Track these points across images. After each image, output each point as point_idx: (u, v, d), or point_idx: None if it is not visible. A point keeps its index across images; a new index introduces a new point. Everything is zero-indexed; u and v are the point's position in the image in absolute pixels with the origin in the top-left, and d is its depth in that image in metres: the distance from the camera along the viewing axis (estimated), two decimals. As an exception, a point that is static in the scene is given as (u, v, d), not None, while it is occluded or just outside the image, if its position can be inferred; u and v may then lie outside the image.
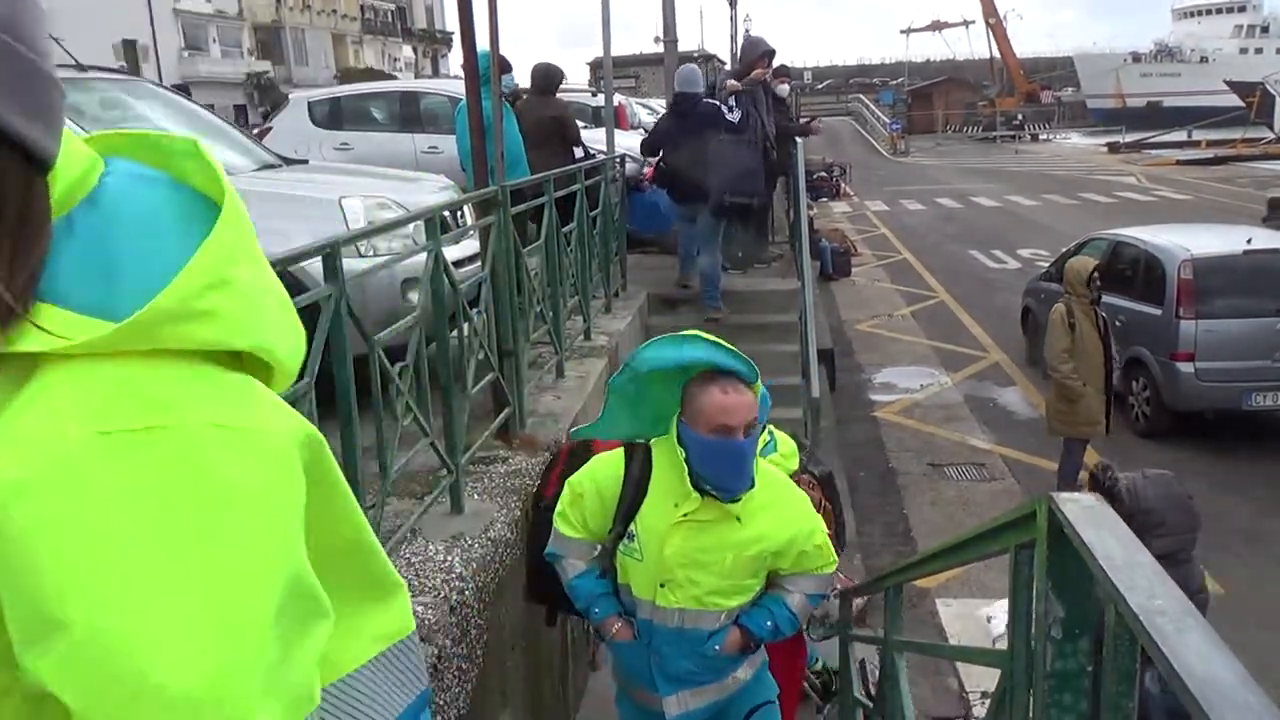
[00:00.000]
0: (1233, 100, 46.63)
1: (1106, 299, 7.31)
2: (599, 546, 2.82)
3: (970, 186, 32.06)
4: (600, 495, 2.76)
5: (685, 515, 2.58)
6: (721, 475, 2.56)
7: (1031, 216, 24.06)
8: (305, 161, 6.73)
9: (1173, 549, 3.51)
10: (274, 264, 2.78)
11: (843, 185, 31.44)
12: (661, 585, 2.63)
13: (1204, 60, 65.28)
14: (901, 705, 2.43)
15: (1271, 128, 41.96)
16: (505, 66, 7.57)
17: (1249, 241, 9.02)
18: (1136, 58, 70.78)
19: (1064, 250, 11.54)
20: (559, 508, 2.88)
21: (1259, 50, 63.19)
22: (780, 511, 2.65)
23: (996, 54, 68.36)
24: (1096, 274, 6.94)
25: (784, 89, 10.25)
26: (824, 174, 29.00)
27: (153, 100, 5.83)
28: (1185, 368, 8.47)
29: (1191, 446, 8.57)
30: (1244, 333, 8.46)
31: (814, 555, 2.72)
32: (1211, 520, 7.28)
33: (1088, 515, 1.03)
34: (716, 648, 2.67)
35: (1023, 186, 31.04)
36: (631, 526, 2.67)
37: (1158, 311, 8.76)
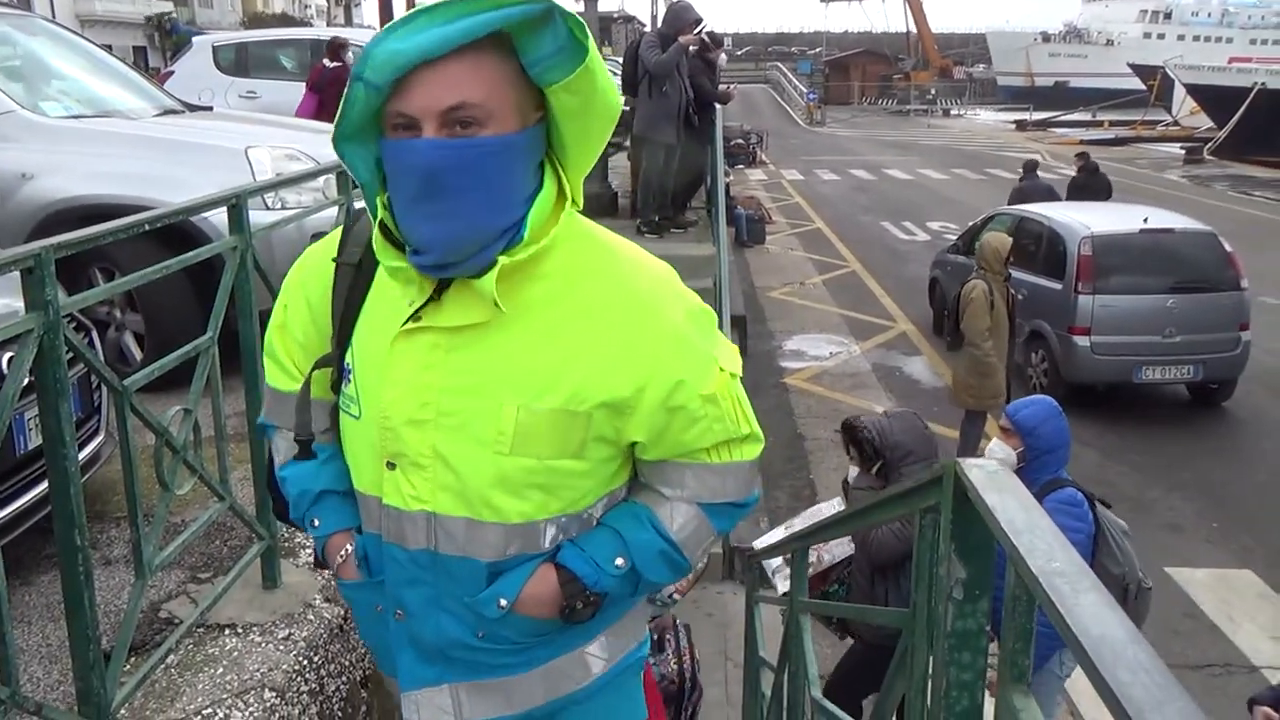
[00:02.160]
0: (1135, 83, 48.14)
1: (1011, 273, 7.51)
2: (330, 406, 1.58)
3: (883, 158, 32.56)
4: (310, 305, 1.56)
5: (414, 319, 1.37)
6: (409, 215, 1.32)
7: (941, 190, 24.56)
8: (210, 109, 6.49)
9: None
10: (175, 214, 2.67)
11: (759, 153, 31.62)
12: (390, 466, 1.42)
13: (1109, 43, 67.17)
14: (805, 664, 2.49)
15: (1169, 111, 43.47)
16: None
17: (1145, 221, 9.37)
18: (1046, 38, 72.51)
19: (971, 224, 11.83)
20: (265, 340, 1.69)
21: (1161, 35, 65.25)
22: (618, 312, 1.38)
23: (913, 28, 69.28)
24: (1011, 252, 7.13)
25: (723, 58, 10.27)
26: (741, 141, 29.11)
27: (46, 37, 5.55)
28: (1081, 341, 8.78)
29: (1084, 417, 8.89)
30: (1137, 309, 8.80)
31: (709, 420, 1.44)
32: (1100, 488, 7.59)
33: (991, 480, 1.06)
34: (503, 602, 1.43)
35: (934, 160, 31.63)
36: (349, 355, 1.48)
37: (1058, 286, 9.05)
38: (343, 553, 1.57)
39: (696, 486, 1.50)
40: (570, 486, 1.44)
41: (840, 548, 4.16)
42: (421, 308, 1.38)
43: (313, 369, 1.56)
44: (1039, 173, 14.37)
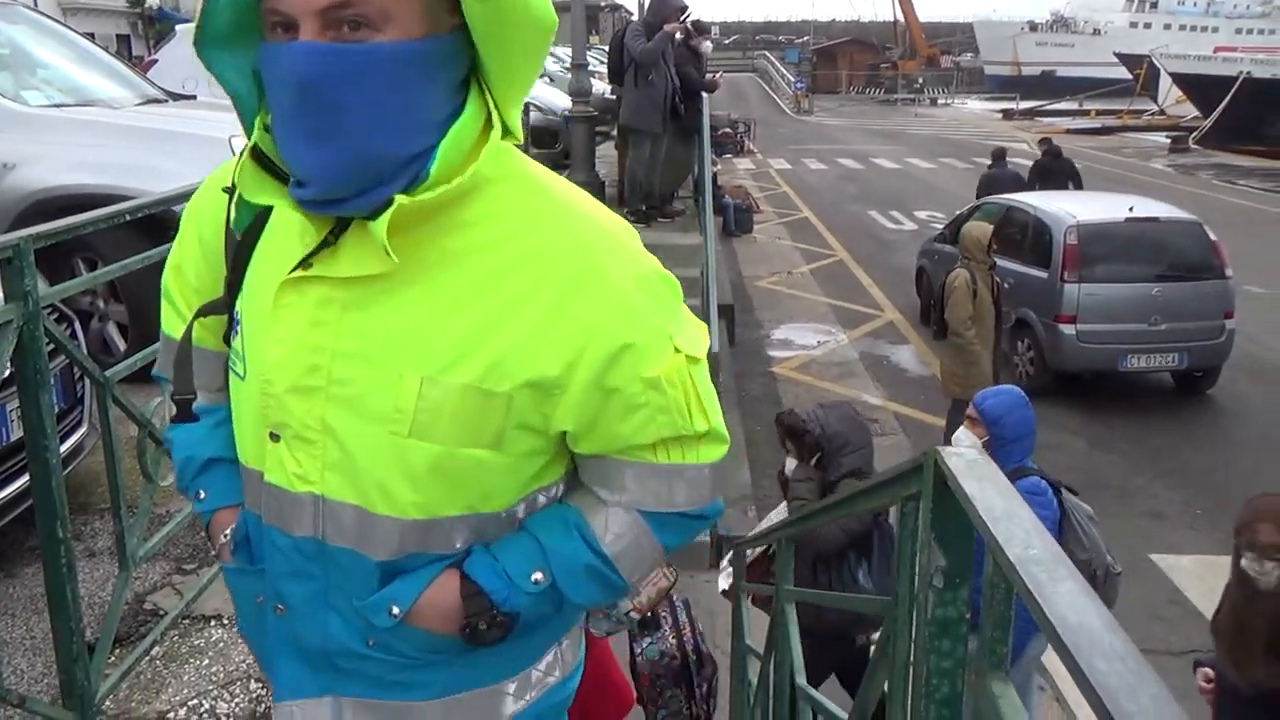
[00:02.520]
0: (1122, 72, 48.28)
1: (997, 262, 7.53)
2: (224, 360, 1.32)
3: (871, 148, 32.59)
4: (202, 241, 1.33)
5: (303, 266, 1.14)
6: (286, 137, 1.08)
7: (928, 179, 24.61)
8: (193, 97, 6.45)
9: (860, 463, 3.90)
10: (159, 204, 2.66)
11: (747, 142, 31.60)
12: (273, 438, 1.20)
13: (1096, 32, 67.33)
14: (791, 653, 2.50)
15: (1155, 100, 43.62)
16: None
17: (1131, 210, 9.40)
18: (1033, 27, 72.61)
19: (958, 213, 11.85)
20: (162, 281, 1.46)
21: (1148, 25, 65.41)
22: (553, 272, 1.14)
23: (900, 17, 69.28)
24: (993, 239, 7.14)
25: (707, 46, 10.24)
26: (729, 130, 29.09)
27: (27, 26, 5.50)
28: (1067, 329, 8.82)
29: (1070, 405, 8.95)
30: (1123, 297, 8.83)
31: (652, 410, 1.18)
32: (1085, 476, 7.66)
33: (971, 469, 1.06)
34: (395, 610, 1.21)
35: (921, 149, 31.68)
36: (240, 302, 1.24)
37: (1044, 275, 9.08)
38: (226, 533, 1.32)
39: (637, 490, 1.24)
40: (482, 481, 1.19)
41: (774, 516, 4.19)
42: (314, 253, 1.13)
43: (194, 316, 1.30)
44: (1007, 160, 14.61)
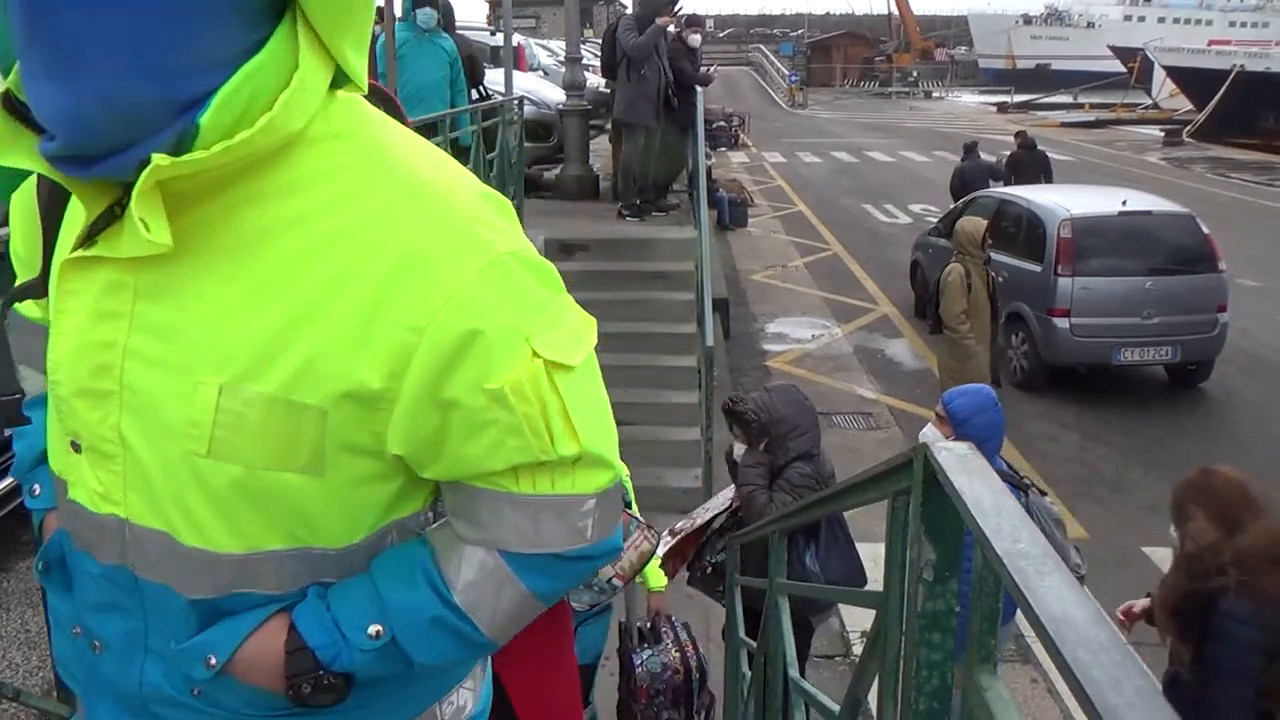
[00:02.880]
0: (1116, 66, 48.27)
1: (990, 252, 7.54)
2: None
3: (865, 141, 32.58)
4: (25, 211, 1.11)
5: (86, 243, 0.93)
6: (26, 75, 0.86)
7: (923, 172, 24.59)
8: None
9: (808, 446, 3.93)
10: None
11: (741, 135, 31.59)
12: (74, 448, 1.01)
13: (1090, 26, 67.29)
14: (784, 645, 2.51)
15: (1149, 93, 43.65)
16: (423, 0, 7.37)
17: (1124, 203, 9.42)
18: (1027, 20, 72.56)
19: (952, 207, 11.86)
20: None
21: (1141, 18, 65.37)
22: (378, 253, 0.91)
23: (895, 10, 69.22)
24: (988, 234, 7.13)
25: (696, 39, 10.24)
26: (723, 124, 29.07)
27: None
28: (1061, 323, 8.83)
29: (1065, 399, 8.97)
30: (1116, 291, 8.85)
31: (500, 430, 0.95)
32: (1079, 469, 7.70)
33: (960, 463, 1.07)
34: (212, 659, 1.00)
35: (915, 142, 31.66)
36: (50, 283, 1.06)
37: (1038, 268, 9.09)
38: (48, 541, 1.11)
39: (495, 526, 1.00)
40: (301, 510, 0.96)
41: (717, 500, 4.17)
42: (98, 228, 0.91)
43: (5, 302, 1.13)
44: (980, 153, 14.99)
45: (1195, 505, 2.97)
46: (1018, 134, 15.62)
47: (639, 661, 3.36)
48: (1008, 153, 15.11)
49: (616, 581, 2.56)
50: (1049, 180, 13.77)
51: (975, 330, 7.04)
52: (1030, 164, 14.04)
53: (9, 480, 2.83)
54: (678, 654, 3.37)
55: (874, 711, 1.79)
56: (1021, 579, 0.84)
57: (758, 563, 3.70)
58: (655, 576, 3.51)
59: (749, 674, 3.36)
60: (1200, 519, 2.89)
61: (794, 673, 2.40)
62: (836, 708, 1.93)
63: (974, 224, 7.31)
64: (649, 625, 3.52)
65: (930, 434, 4.02)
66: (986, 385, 4.36)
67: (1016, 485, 3.86)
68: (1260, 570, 2.58)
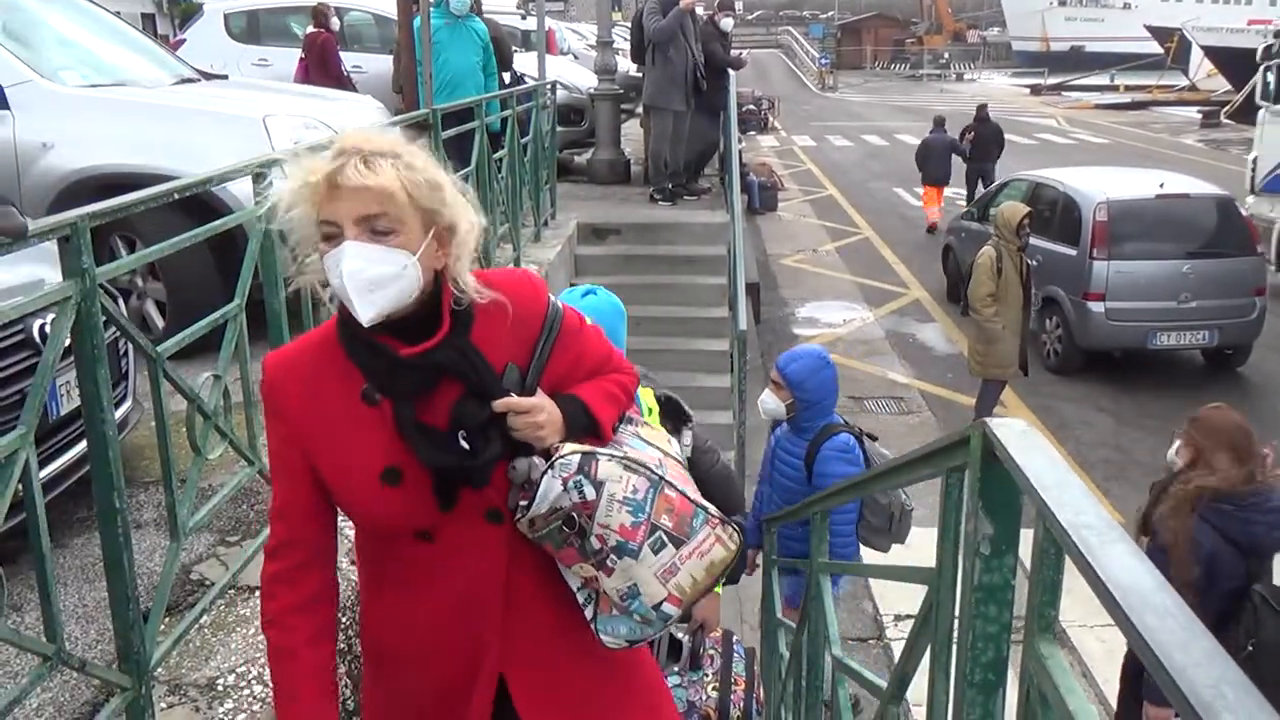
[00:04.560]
0: (1153, 46, 47.46)
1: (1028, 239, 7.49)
2: None
3: (896, 124, 32.30)
4: None
5: None
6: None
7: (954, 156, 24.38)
8: (224, 77, 6.50)
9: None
10: (203, 184, 2.70)
11: (771, 119, 31.43)
12: None
13: (1127, 6, 66.18)
14: (826, 624, 2.54)
15: (1186, 74, 42.94)
16: None
17: (1161, 186, 9.31)
18: (1062, 1, 71.53)
19: (985, 190, 11.77)
20: None
21: (1179, -2, 64.30)
22: None
23: (926, -9, 68.44)
24: (1027, 220, 7.08)
25: (728, 22, 10.21)
26: (753, 107, 28.94)
27: (63, 6, 5.56)
28: (1096, 307, 8.77)
29: (1099, 383, 8.91)
30: (1152, 274, 8.77)
31: None
32: (1114, 453, 7.65)
33: (1020, 439, 1.09)
34: None
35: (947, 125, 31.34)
36: None
37: (1073, 252, 9.02)
38: None
39: None
40: None
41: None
42: None
43: None
44: (946, 128, 16.56)
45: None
46: (980, 107, 16.81)
47: None
48: (974, 129, 16.29)
49: (670, 608, 1.59)
50: (1000, 150, 15.90)
51: (1004, 315, 7.01)
52: (986, 135, 15.80)
53: (66, 458, 2.91)
54: (715, 693, 2.51)
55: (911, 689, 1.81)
56: (1086, 549, 0.86)
57: None
58: None
59: (786, 654, 3.39)
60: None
61: (837, 650, 2.43)
62: (883, 683, 1.96)
63: (1014, 210, 7.26)
64: (688, 641, 2.59)
65: (769, 400, 4.02)
66: (818, 346, 4.38)
67: (853, 435, 3.91)
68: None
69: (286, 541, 1.66)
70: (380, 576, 1.69)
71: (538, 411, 1.53)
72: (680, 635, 2.58)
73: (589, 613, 1.58)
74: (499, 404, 1.51)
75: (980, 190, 14.76)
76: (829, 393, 3.96)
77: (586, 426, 1.62)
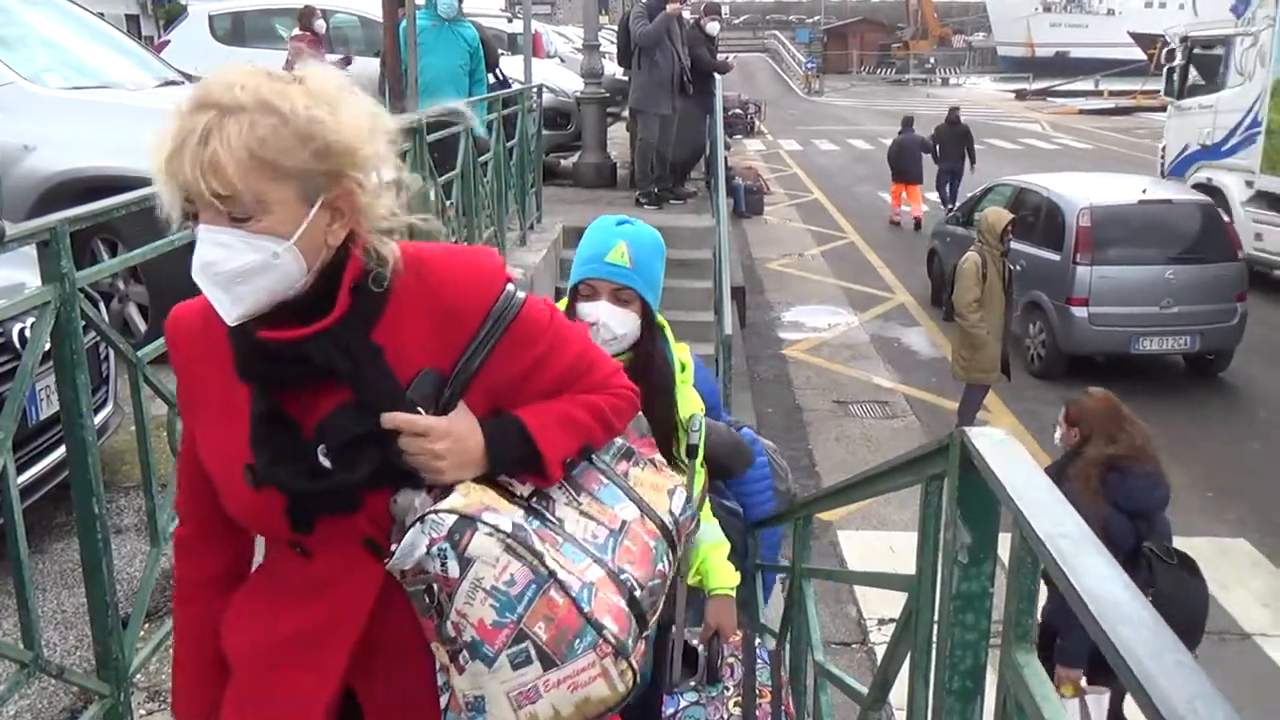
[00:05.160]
0: (1136, 52, 47.75)
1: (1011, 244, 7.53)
2: None
3: (882, 128, 32.35)
4: None
5: None
6: None
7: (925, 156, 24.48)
8: (209, 79, 6.46)
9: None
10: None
11: (757, 123, 31.48)
12: None
13: (1110, 13, 66.58)
14: (809, 630, 2.54)
15: (1170, 80, 43.14)
16: None
17: (1144, 192, 9.38)
18: (1047, 7, 71.82)
19: (970, 195, 11.83)
20: None
21: (1163, 4, 64.65)
22: None
23: (912, -4, 68.73)
24: (1010, 227, 7.13)
25: (714, 27, 10.23)
26: (739, 111, 28.99)
27: (46, 8, 5.53)
28: (1079, 312, 8.81)
29: (1082, 388, 8.91)
30: (1135, 279, 8.82)
31: None
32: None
33: (997, 448, 1.09)
34: None
35: (932, 130, 31.46)
36: None
37: (1056, 257, 9.07)
38: None
39: None
40: None
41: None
42: None
43: None
44: (915, 128, 17.23)
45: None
46: (951, 110, 17.39)
47: (674, 709, 2.28)
48: (944, 128, 17.04)
49: (696, 645, 1.84)
50: (970, 151, 16.45)
51: (988, 321, 7.05)
52: (955, 137, 16.52)
53: (45, 463, 2.89)
54: (739, 709, 2.24)
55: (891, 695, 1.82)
56: (1061, 558, 0.86)
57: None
58: (717, 572, 2.29)
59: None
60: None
61: (820, 656, 2.43)
62: (864, 690, 1.96)
63: (999, 215, 7.31)
64: (703, 650, 2.16)
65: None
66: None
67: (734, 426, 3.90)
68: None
69: (189, 509, 1.44)
70: (262, 570, 1.45)
71: (438, 435, 1.22)
72: (694, 642, 2.14)
73: (442, 701, 1.28)
74: (386, 419, 1.20)
75: (950, 189, 16.25)
76: (711, 392, 3.93)
77: (522, 460, 1.28)
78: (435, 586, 1.19)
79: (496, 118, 6.69)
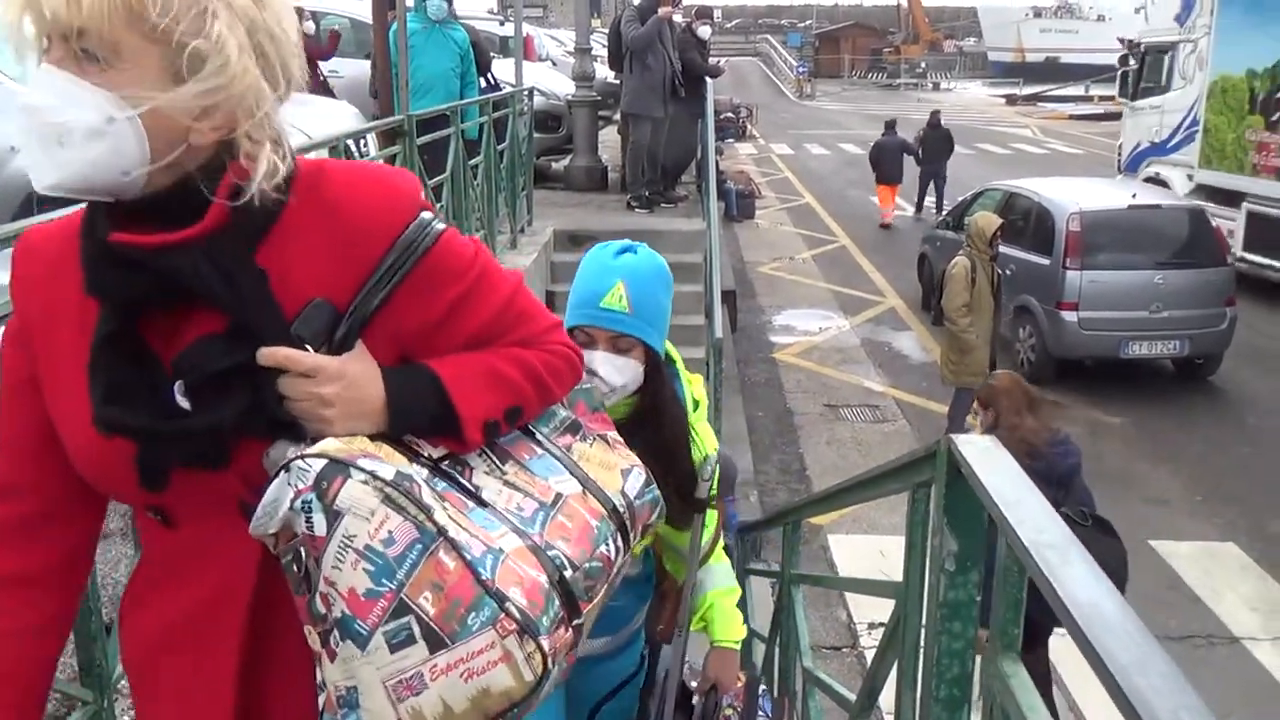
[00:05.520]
0: (1125, 58, 47.95)
1: (999, 248, 7.55)
2: None
3: (873, 132, 32.23)
4: None
5: None
6: None
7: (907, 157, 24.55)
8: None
9: None
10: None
11: (749, 127, 31.52)
12: None
13: (1100, 18, 66.88)
14: (798, 635, 2.53)
15: (1159, 85, 43.37)
16: None
17: (1133, 196, 9.41)
18: (1038, 13, 72.09)
19: (960, 200, 11.86)
20: None
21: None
22: None
23: (903, 1, 68.97)
24: (999, 232, 7.15)
25: (706, 31, 10.24)
26: (731, 115, 29.02)
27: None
28: (1069, 316, 8.83)
29: (1072, 392, 8.97)
30: (1124, 284, 8.85)
31: None
32: (1086, 462, 7.67)
33: (983, 456, 1.09)
34: None
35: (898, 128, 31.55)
36: None
37: (1046, 261, 9.09)
38: None
39: None
40: None
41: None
42: None
43: None
44: (897, 130, 17.73)
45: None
46: (933, 113, 17.94)
47: None
48: (923, 131, 17.60)
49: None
50: (950, 153, 17.14)
51: (976, 325, 7.07)
52: (936, 139, 16.99)
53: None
54: None
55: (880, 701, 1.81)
56: (1047, 568, 0.86)
57: None
58: (723, 623, 2.10)
59: (759, 664, 3.39)
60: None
61: (808, 662, 2.43)
62: (852, 696, 1.95)
63: (988, 220, 7.32)
64: (699, 699, 2.07)
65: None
66: None
67: None
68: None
69: (6, 485, 1.12)
70: (143, 554, 1.21)
71: (327, 378, 1.00)
72: (697, 697, 2.09)
73: (320, 701, 1.02)
74: (265, 354, 0.99)
75: (933, 191, 17.07)
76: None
77: (434, 419, 1.06)
78: (303, 550, 0.97)
79: (487, 121, 6.68)
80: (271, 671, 1.10)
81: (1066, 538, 0.91)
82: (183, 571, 1.10)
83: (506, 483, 1.09)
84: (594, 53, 10.99)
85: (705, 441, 1.99)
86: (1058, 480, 4.07)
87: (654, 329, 1.90)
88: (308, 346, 1.01)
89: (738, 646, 2.13)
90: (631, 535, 1.18)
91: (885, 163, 16.90)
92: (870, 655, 5.09)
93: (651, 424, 1.73)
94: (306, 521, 0.96)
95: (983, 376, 7.37)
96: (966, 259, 7.07)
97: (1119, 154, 15.53)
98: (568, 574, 1.04)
